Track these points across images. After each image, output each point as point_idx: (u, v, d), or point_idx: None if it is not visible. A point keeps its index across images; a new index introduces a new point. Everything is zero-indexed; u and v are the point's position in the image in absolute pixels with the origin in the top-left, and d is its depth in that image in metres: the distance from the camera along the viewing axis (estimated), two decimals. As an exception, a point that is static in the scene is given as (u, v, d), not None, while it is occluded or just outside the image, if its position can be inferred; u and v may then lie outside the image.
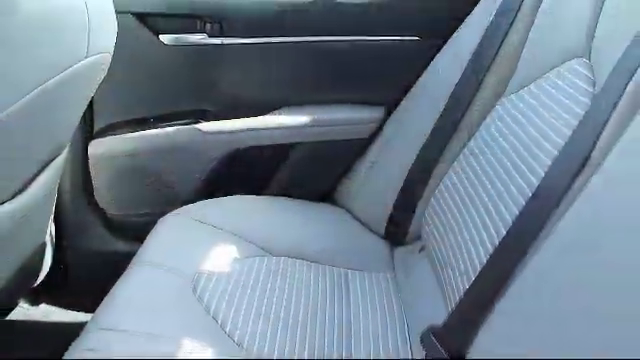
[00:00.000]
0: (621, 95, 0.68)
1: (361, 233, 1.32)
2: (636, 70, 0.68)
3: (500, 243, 0.78)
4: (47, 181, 1.13)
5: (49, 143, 1.08)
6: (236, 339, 0.91)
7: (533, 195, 0.76)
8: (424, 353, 0.84)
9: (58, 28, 0.88)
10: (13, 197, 1.01)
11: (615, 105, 0.68)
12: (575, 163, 0.69)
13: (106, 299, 0.97)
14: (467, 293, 0.80)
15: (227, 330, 0.92)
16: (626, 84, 0.68)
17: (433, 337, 0.80)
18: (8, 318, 1.43)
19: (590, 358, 0.50)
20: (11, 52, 0.79)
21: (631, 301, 0.50)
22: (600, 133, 0.68)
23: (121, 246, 1.47)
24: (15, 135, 0.86)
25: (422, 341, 0.82)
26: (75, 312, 1.52)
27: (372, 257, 1.24)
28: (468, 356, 0.73)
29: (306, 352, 0.92)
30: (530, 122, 0.93)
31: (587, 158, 0.68)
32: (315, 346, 0.94)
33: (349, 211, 1.39)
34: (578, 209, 0.64)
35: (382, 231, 1.30)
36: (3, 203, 0.98)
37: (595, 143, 0.68)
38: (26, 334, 1.51)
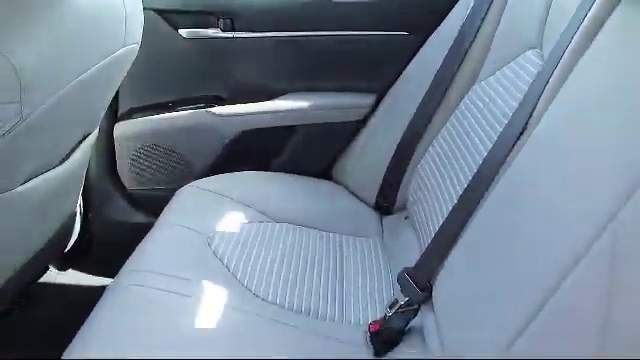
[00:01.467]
0: (553, 71, 0.83)
1: (354, 204, 1.47)
2: (570, 41, 0.83)
3: (458, 201, 0.94)
4: (81, 155, 1.28)
5: (85, 121, 1.24)
6: (245, 284, 1.06)
7: (484, 160, 0.92)
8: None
9: (102, 20, 1.03)
10: (58, 165, 1.18)
11: (548, 81, 0.84)
12: (517, 130, 0.86)
13: (136, 251, 1.13)
14: (432, 240, 0.96)
15: (238, 277, 1.08)
16: (560, 57, 0.83)
17: (407, 276, 0.96)
18: (40, 281, 1.60)
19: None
20: (62, 40, 0.95)
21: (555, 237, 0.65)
22: (536, 104, 0.84)
23: (140, 218, 1.61)
24: (63, 112, 1.01)
25: (398, 281, 0.99)
26: (98, 277, 1.65)
27: (364, 225, 1.39)
28: (433, 286, 0.90)
29: (305, 300, 1.06)
30: (494, 103, 1.09)
31: (525, 125, 0.84)
32: (313, 296, 1.08)
33: (344, 185, 1.54)
34: (512, 169, 0.81)
35: (373, 202, 1.45)
36: (51, 169, 1.15)
37: (531, 114, 0.84)
38: (57, 296, 1.64)
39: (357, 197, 1.50)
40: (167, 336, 0.88)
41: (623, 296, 0.53)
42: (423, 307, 0.94)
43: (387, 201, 1.43)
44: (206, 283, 1.02)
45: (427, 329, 0.90)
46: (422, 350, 0.90)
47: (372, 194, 1.45)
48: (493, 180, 0.86)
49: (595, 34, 0.78)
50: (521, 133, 0.85)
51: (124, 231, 1.55)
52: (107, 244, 1.63)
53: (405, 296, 0.95)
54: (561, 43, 0.85)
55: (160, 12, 1.46)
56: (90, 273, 1.67)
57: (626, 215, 0.55)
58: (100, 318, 0.92)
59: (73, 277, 1.67)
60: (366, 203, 1.47)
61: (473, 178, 0.92)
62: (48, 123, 0.98)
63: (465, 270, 0.84)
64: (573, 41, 0.81)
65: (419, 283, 0.93)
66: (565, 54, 0.82)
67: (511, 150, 0.85)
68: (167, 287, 0.98)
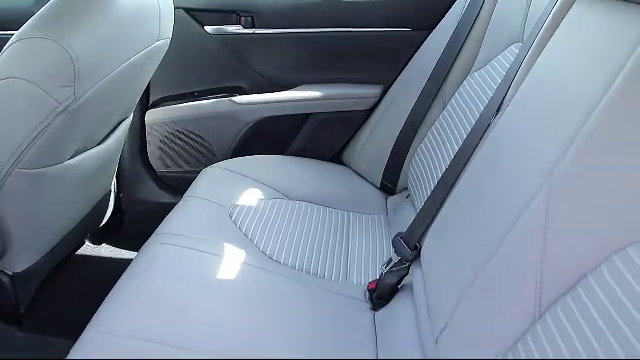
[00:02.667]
0: (523, 59, 0.98)
1: (361, 185, 1.62)
2: (537, 34, 0.97)
3: (442, 176, 1.08)
4: (118, 137, 1.44)
5: (122, 107, 1.39)
6: (261, 249, 1.21)
7: (464, 142, 1.06)
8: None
9: (140, 18, 1.19)
10: (99, 144, 1.34)
11: (518, 68, 0.98)
12: (491, 113, 1.00)
13: (165, 219, 1.27)
14: (422, 209, 1.11)
15: (255, 242, 1.22)
16: (529, 48, 0.98)
17: (399, 239, 1.11)
18: (77, 253, 1.77)
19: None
20: (108, 35, 1.11)
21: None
22: (508, 89, 0.98)
23: (168, 198, 1.76)
24: (105, 97, 1.17)
25: (393, 243, 1.13)
26: (128, 251, 1.79)
27: (369, 203, 1.53)
28: (421, 247, 1.05)
29: (313, 264, 1.20)
30: (483, 92, 1.22)
31: (498, 108, 0.98)
32: (321, 260, 1.22)
33: (352, 168, 1.68)
34: (484, 147, 0.95)
35: (378, 184, 1.59)
36: (93, 147, 1.31)
37: (504, 98, 0.99)
38: (92, 266, 1.77)
39: (364, 179, 1.64)
40: (194, 284, 1.03)
41: (554, 245, 0.67)
42: (413, 266, 1.08)
43: (391, 182, 1.57)
44: (226, 245, 1.17)
45: (415, 284, 1.04)
46: (411, 303, 1.04)
47: (378, 176, 1.59)
48: (469, 158, 1.00)
49: (556, 27, 0.92)
50: (495, 115, 0.99)
51: (153, 210, 1.70)
52: (137, 221, 1.78)
53: (398, 255, 1.09)
54: (531, 36, 0.99)
55: (188, 10, 1.62)
56: (121, 247, 1.82)
57: (558, 173, 0.69)
58: (134, 270, 1.07)
59: (106, 250, 1.82)
60: (372, 184, 1.61)
61: (455, 157, 1.06)
62: (93, 106, 1.14)
63: (444, 233, 0.99)
64: (539, 34, 0.95)
65: (409, 244, 1.08)
66: (533, 45, 0.97)
67: (485, 130, 0.99)
68: (192, 246, 1.13)
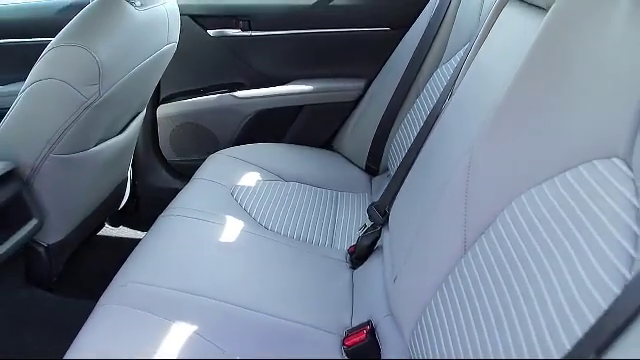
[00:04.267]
0: (467, 54, 1.18)
1: (349, 168, 1.82)
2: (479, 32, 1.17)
3: (407, 151, 1.29)
4: (134, 128, 1.65)
5: (137, 102, 1.60)
6: (258, 220, 1.41)
7: (425, 121, 1.27)
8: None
9: (152, 25, 1.40)
10: (118, 134, 1.55)
11: (463, 62, 1.19)
12: (444, 99, 1.20)
13: (175, 198, 1.48)
14: (391, 180, 1.31)
15: (253, 215, 1.42)
16: (472, 44, 1.18)
17: (373, 207, 1.32)
18: (98, 234, 1.98)
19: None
20: (127, 41, 1.31)
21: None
22: (455, 80, 1.19)
23: (177, 184, 1.94)
24: (123, 94, 1.38)
25: (367, 211, 1.34)
26: (143, 232, 1.97)
27: (356, 183, 1.72)
28: (390, 213, 1.26)
29: (303, 232, 1.39)
30: (443, 84, 1.43)
31: (449, 94, 1.19)
32: (310, 230, 1.42)
33: (341, 153, 1.89)
34: (437, 125, 1.16)
35: (363, 166, 1.79)
36: (113, 137, 1.52)
37: (452, 87, 1.19)
38: (111, 246, 1.98)
39: (351, 162, 1.84)
40: (201, 246, 1.24)
41: (473, 198, 0.88)
42: (384, 229, 1.29)
43: (374, 164, 1.77)
44: (229, 217, 1.37)
45: (384, 243, 1.24)
46: (381, 260, 1.24)
47: (363, 159, 1.79)
48: (426, 138, 1.21)
49: (491, 26, 1.12)
50: (444, 102, 1.20)
51: (164, 194, 1.78)
52: (150, 205, 1.93)
53: (371, 221, 1.30)
54: (476, 34, 1.20)
55: (193, 17, 1.82)
56: (137, 229, 2.02)
57: (478, 141, 0.90)
58: (152, 236, 1.28)
59: (124, 232, 2.03)
60: (358, 167, 1.82)
61: (416, 138, 1.26)
62: (114, 101, 1.35)
63: (404, 199, 1.19)
64: (480, 33, 1.16)
65: (380, 210, 1.29)
66: (475, 42, 1.17)
67: (440, 112, 1.20)
68: (200, 217, 1.34)
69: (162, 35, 1.47)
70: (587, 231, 0.62)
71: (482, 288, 0.79)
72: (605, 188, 0.62)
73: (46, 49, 1.21)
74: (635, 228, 0.53)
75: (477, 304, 0.79)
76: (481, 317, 0.76)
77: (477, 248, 0.84)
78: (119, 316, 1.02)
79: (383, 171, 1.76)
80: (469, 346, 0.76)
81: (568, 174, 0.69)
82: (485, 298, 0.78)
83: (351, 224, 1.50)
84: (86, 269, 1.71)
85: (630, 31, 0.63)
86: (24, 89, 1.24)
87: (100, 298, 1.08)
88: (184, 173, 1.96)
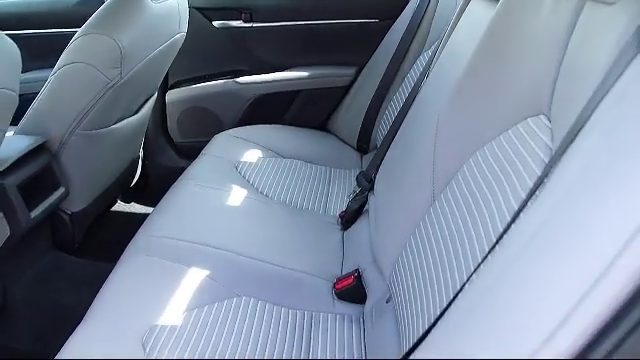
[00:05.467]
0: (440, 42, 1.37)
1: (342, 147, 2.00)
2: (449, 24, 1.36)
3: (392, 124, 1.47)
4: (147, 110, 1.83)
5: (150, 86, 1.77)
6: (259, 189, 1.59)
7: (405, 100, 1.45)
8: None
9: (165, 17, 1.58)
10: (135, 113, 1.73)
11: (437, 50, 1.37)
12: (423, 77, 1.39)
13: (186, 170, 1.66)
14: (376, 152, 1.49)
15: (255, 185, 1.59)
16: (444, 35, 1.37)
17: (361, 175, 1.50)
18: (112, 209, 2.16)
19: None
20: (144, 30, 1.49)
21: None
22: (431, 62, 1.37)
23: (184, 163, 2.03)
24: (139, 78, 1.54)
25: (356, 179, 1.52)
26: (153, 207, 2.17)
27: (347, 161, 1.90)
28: (375, 179, 1.44)
29: (299, 200, 1.57)
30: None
31: (427, 73, 1.37)
32: (307, 199, 1.59)
33: (335, 134, 2.07)
34: (417, 99, 1.35)
35: (355, 145, 1.98)
36: (130, 116, 1.70)
37: (428, 68, 1.38)
38: (125, 219, 2.15)
39: (344, 142, 2.02)
40: (210, 208, 1.42)
41: (439, 157, 1.06)
42: (370, 194, 1.47)
43: (365, 143, 1.95)
44: (234, 186, 1.55)
45: (370, 208, 1.43)
46: (367, 222, 1.42)
47: (354, 139, 1.98)
48: (408, 111, 1.39)
49: (459, 19, 1.30)
50: (425, 78, 1.38)
51: (172, 173, 1.91)
52: (160, 184, 2.03)
53: (359, 187, 1.48)
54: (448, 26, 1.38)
55: (199, 9, 1.99)
56: (147, 205, 2.18)
57: (443, 107, 1.08)
58: (167, 200, 1.46)
59: (135, 207, 2.21)
60: (351, 146, 2.00)
61: (398, 114, 1.45)
62: (132, 83, 1.52)
63: (386, 167, 1.38)
64: (451, 22, 1.34)
65: (367, 178, 1.47)
66: (446, 33, 1.35)
67: (418, 91, 1.38)
68: (208, 185, 1.52)
69: (174, 25, 1.64)
70: (519, 172, 0.80)
71: (446, 230, 0.97)
72: (534, 139, 0.80)
73: (74, 37, 1.39)
74: (546, 160, 0.72)
75: (441, 243, 0.97)
76: (444, 253, 0.94)
77: (442, 198, 1.02)
78: (144, 263, 1.20)
79: (373, 149, 1.93)
80: (439, 278, 0.93)
81: (510, 131, 0.88)
82: (448, 238, 0.96)
83: (342, 194, 1.67)
84: (103, 238, 1.89)
85: (553, 15, 0.81)
86: (55, 72, 1.41)
87: (126, 248, 1.26)
88: (190, 153, 2.07)
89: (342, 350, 1.10)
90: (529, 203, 0.68)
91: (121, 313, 1.06)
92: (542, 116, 0.80)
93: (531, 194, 0.69)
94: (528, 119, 0.84)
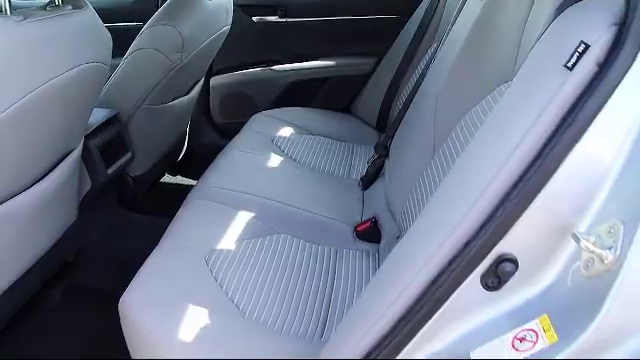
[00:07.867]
0: (448, 26, 1.65)
1: (363, 127, 2.29)
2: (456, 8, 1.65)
3: (405, 102, 1.76)
4: (195, 91, 2.13)
5: (199, 72, 2.07)
6: (291, 157, 1.87)
7: (416, 82, 1.74)
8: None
9: (216, 11, 1.88)
10: (186, 94, 2.03)
11: (446, 32, 1.66)
12: (429, 58, 1.67)
13: (229, 143, 1.95)
14: (392, 123, 1.78)
15: (288, 154, 1.88)
16: (450, 18, 1.66)
17: (379, 144, 1.79)
18: (161, 181, 2.46)
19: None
20: (200, 21, 1.79)
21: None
22: (440, 45, 1.66)
23: (223, 142, 2.23)
24: (193, 64, 1.84)
25: (375, 147, 1.81)
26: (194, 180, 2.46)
27: (368, 138, 2.16)
28: (390, 146, 1.73)
29: (326, 168, 1.84)
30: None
31: (433, 57, 1.66)
32: (332, 167, 1.87)
33: (357, 116, 2.35)
34: (425, 79, 1.64)
35: (375, 125, 2.26)
36: (182, 96, 2.00)
37: (436, 50, 1.66)
38: (171, 189, 2.45)
39: (365, 122, 2.31)
40: (257, 167, 1.72)
41: (439, 120, 1.34)
42: (386, 160, 1.75)
43: (383, 123, 2.24)
44: (271, 154, 1.84)
45: (386, 171, 1.71)
46: (384, 182, 1.71)
47: (374, 119, 2.27)
48: (417, 91, 1.67)
49: (458, 16, 1.59)
50: (431, 64, 1.66)
51: (213, 150, 2.14)
52: (201, 159, 2.23)
53: (376, 154, 1.77)
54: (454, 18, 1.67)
55: (241, 6, 2.28)
56: (191, 178, 2.46)
57: (443, 82, 1.37)
58: (220, 160, 1.75)
59: (181, 180, 2.51)
60: (371, 126, 2.29)
61: (410, 92, 1.73)
62: (188, 67, 1.82)
63: (400, 134, 1.67)
64: (451, 20, 1.63)
65: (384, 145, 1.76)
66: (448, 27, 1.64)
67: (426, 72, 1.66)
68: (252, 152, 1.82)
69: (222, 19, 1.94)
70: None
71: (442, 176, 1.26)
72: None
73: (144, 27, 1.69)
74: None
75: (440, 187, 1.25)
76: (442, 194, 1.23)
77: (440, 151, 1.31)
78: (204, 206, 1.49)
79: (390, 127, 2.21)
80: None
81: (489, 96, 1.16)
82: (444, 181, 1.24)
83: (363, 163, 1.95)
84: (157, 200, 2.20)
85: (515, 9, 1.10)
86: (127, 56, 1.72)
87: (188, 195, 1.56)
88: (229, 133, 2.29)
89: (360, 277, 1.39)
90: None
91: (189, 237, 1.35)
92: (509, 82, 1.08)
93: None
94: (501, 85, 1.12)
